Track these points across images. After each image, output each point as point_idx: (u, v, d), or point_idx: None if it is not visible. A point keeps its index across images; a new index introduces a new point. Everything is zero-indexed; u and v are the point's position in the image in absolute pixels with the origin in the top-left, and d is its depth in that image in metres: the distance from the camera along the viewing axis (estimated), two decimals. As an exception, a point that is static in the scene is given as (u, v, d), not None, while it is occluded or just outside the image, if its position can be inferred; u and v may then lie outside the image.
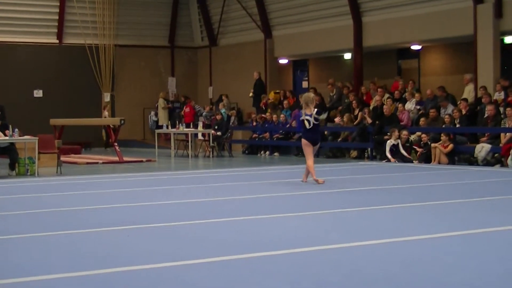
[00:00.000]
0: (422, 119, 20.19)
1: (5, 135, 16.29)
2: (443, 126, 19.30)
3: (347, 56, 27.14)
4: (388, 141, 19.32)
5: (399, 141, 19.15)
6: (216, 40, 31.61)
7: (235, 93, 29.43)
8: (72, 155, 23.53)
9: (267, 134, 25.02)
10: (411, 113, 21.17)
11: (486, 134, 18.58)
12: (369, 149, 21.12)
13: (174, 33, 32.48)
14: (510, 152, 17.02)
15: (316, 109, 13.73)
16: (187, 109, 29.36)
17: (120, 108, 30.75)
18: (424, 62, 25.50)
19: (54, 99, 29.66)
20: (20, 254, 6.72)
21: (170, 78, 32.23)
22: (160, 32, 32.32)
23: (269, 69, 28.79)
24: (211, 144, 23.75)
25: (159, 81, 32.08)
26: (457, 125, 19.15)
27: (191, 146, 23.86)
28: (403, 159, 18.92)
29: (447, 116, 19.35)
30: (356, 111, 22.64)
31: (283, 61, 29.36)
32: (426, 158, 18.75)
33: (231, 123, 26.47)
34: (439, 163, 18.32)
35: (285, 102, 25.94)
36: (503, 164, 17.24)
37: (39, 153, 16.99)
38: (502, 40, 21.43)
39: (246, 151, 25.82)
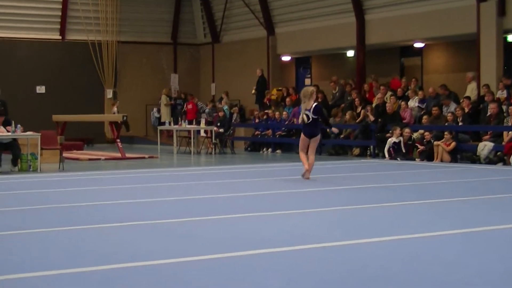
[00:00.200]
0: (424, 117, 20.18)
1: (7, 131, 16.30)
2: (446, 124, 19.28)
3: (350, 53, 27.12)
4: (389, 139, 19.31)
5: (401, 139, 19.14)
6: (218, 37, 31.60)
7: (237, 90, 29.42)
8: (75, 151, 23.54)
9: (269, 131, 25.02)
10: (414, 111, 21.15)
11: (488, 132, 18.56)
12: (371, 146, 21.12)
13: (176, 30, 32.48)
14: (513, 151, 17.01)
15: (315, 104, 13.76)
16: (189, 106, 29.36)
17: (123, 104, 30.71)
18: (427, 60, 25.48)
19: (57, 95, 29.68)
20: (21, 250, 6.72)
21: (173, 75, 32.22)
22: (162, 29, 32.33)
23: (271, 66, 28.77)
24: (213, 141, 23.75)
25: (161, 77, 32.08)
26: (460, 123, 19.13)
27: (194, 143, 23.86)
28: (405, 157, 18.91)
29: (449, 114, 19.33)
30: (359, 109, 22.64)
31: (286, 58, 29.35)
32: (428, 156, 18.73)
33: (233, 120, 26.47)
34: (441, 161, 18.31)
35: (287, 99, 25.93)
36: (506, 163, 17.21)
37: (41, 149, 17.00)
38: (505, 38, 21.41)
39: (249, 148, 25.83)
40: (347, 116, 22.60)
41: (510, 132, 17.73)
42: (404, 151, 19.10)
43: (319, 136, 13.88)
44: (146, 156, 21.63)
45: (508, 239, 7.10)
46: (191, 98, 29.76)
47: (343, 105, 23.91)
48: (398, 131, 19.15)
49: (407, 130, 19.37)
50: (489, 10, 20.76)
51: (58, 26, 30.20)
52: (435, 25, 22.47)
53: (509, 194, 11.03)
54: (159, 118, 30.63)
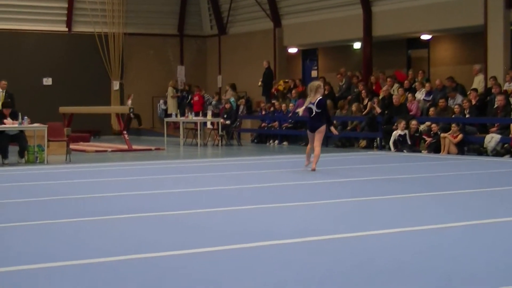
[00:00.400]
0: (431, 109, 20.13)
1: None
2: (453, 116, 19.24)
3: (357, 45, 27.06)
4: (395, 132, 19.29)
5: (406, 131, 19.11)
6: (225, 29, 31.57)
7: (244, 82, 29.39)
8: (81, 143, 23.57)
9: (276, 123, 25.01)
10: (420, 103, 21.10)
11: (495, 125, 18.50)
12: (378, 139, 21.09)
13: (183, 22, 32.45)
14: (520, 143, 16.97)
15: (319, 98, 13.79)
16: (196, 98, 29.36)
17: (129, 96, 30.76)
18: (434, 52, 25.41)
19: (63, 87, 29.71)
20: (27, 241, 6.73)
21: (179, 67, 32.20)
22: (169, 21, 32.30)
23: (278, 58, 28.74)
24: (220, 133, 23.75)
25: (168, 69, 32.06)
26: (467, 116, 19.09)
27: (200, 135, 23.86)
28: (411, 149, 18.88)
29: (456, 106, 19.29)
30: (365, 101, 22.60)
31: (292, 50, 29.30)
32: (435, 148, 18.70)
33: (240, 112, 26.46)
34: (448, 153, 18.28)
35: (294, 91, 25.92)
36: (513, 155, 17.19)
37: (48, 141, 17.02)
38: (513, 30, 21.35)
39: (255, 140, 25.82)
40: (353, 108, 22.57)
41: (517, 124, 17.69)
42: (410, 143, 19.07)
43: (323, 127, 13.86)
44: (153, 148, 21.64)
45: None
46: (198, 90, 29.75)
47: (349, 97, 23.87)
48: (403, 124, 19.13)
49: (414, 122, 19.34)
50: (497, 2, 20.67)
51: (65, 18, 30.20)
52: (442, 17, 22.39)
53: (516, 186, 11.02)
54: (166, 110, 30.64)
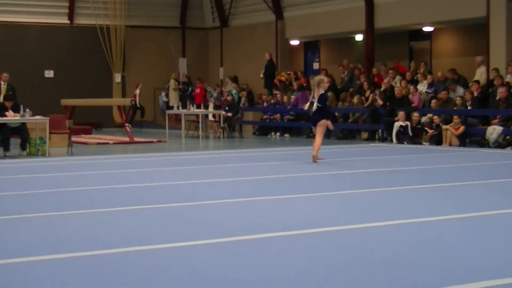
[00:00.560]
0: (433, 101, 20.12)
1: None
2: (455, 108, 19.23)
3: (359, 37, 27.03)
4: (396, 123, 19.28)
5: (408, 123, 19.11)
6: (227, 21, 31.53)
7: (246, 75, 29.39)
8: (83, 135, 23.58)
9: (277, 116, 25.01)
10: (422, 95, 21.09)
11: (497, 117, 18.49)
12: (380, 130, 21.09)
13: (185, 14, 32.42)
14: (522, 135, 16.96)
15: (322, 93, 13.82)
16: (197, 90, 29.35)
17: (131, 89, 30.74)
18: (436, 44, 25.37)
19: (65, 79, 29.73)
20: (28, 233, 6.74)
21: (181, 59, 32.18)
22: (171, 13, 32.27)
23: (280, 51, 28.72)
24: (221, 125, 23.75)
25: (169, 62, 32.05)
26: (469, 107, 19.08)
27: (202, 127, 23.87)
28: (412, 141, 18.88)
29: (458, 98, 19.28)
30: (367, 93, 22.58)
31: (294, 42, 29.27)
32: (437, 140, 18.70)
33: (241, 104, 26.46)
34: (450, 145, 18.27)
35: (295, 83, 25.91)
36: (515, 147, 17.18)
37: (50, 133, 17.03)
38: (515, 22, 21.29)
39: (257, 133, 25.83)
40: (355, 100, 22.56)
41: (519, 116, 17.68)
42: (411, 135, 19.07)
43: (323, 121, 13.89)
44: (155, 140, 21.65)
45: (517, 223, 7.09)
46: (200, 83, 29.73)
47: (351, 89, 23.86)
48: (403, 115, 19.13)
49: (415, 114, 19.33)
50: (499, -7, 20.64)
51: (67, 11, 30.19)
52: (444, 9, 22.35)
53: (518, 178, 11.01)
54: (167, 103, 30.63)
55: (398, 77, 22.35)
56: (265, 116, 25.81)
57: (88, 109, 26.95)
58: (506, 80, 19.52)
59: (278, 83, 26.98)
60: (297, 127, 24.41)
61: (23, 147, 16.57)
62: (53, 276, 5.07)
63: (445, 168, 12.81)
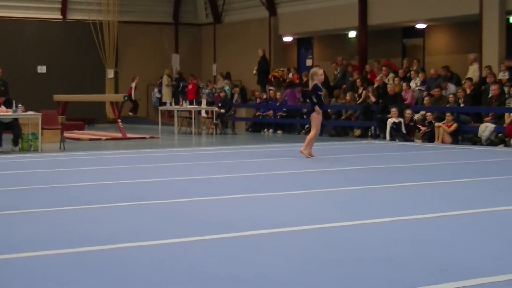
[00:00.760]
0: (426, 98, 20.15)
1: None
2: (447, 105, 19.25)
3: (352, 34, 27.03)
4: (389, 120, 19.30)
5: (401, 120, 19.12)
6: (220, 17, 31.50)
7: (239, 71, 29.37)
8: (76, 131, 23.54)
9: (270, 112, 25.00)
10: (415, 92, 21.11)
11: (490, 114, 18.53)
12: (372, 127, 21.10)
13: (178, 10, 32.37)
14: (514, 132, 16.99)
15: (313, 84, 13.90)
16: (190, 86, 29.32)
17: (124, 84, 30.70)
18: (429, 41, 25.40)
19: (58, 75, 29.65)
20: (19, 229, 6.72)
21: (174, 55, 32.14)
22: (164, 9, 32.22)
23: (273, 47, 28.71)
24: (214, 121, 23.73)
25: (162, 58, 32.00)
26: (461, 105, 19.10)
27: (195, 123, 23.85)
28: (404, 138, 18.89)
29: (451, 96, 19.30)
30: (360, 90, 22.59)
31: (288, 38, 29.26)
32: (430, 137, 18.72)
33: (234, 101, 26.44)
34: (442, 142, 18.29)
35: (286, 80, 25.94)
36: (507, 144, 17.20)
37: (42, 129, 16.99)
38: (508, 19, 21.32)
39: (250, 129, 25.82)
40: (348, 97, 22.57)
41: (511, 114, 17.70)
42: (404, 132, 19.08)
43: (314, 113, 13.94)
44: (147, 136, 21.63)
45: (509, 221, 7.09)
46: (193, 79, 29.71)
47: (344, 86, 23.86)
48: (395, 111, 19.14)
49: (408, 111, 19.34)
50: (492, -9, 20.67)
51: (59, 6, 30.11)
52: (438, 6, 22.37)
53: (510, 176, 11.02)
54: (160, 99, 30.60)
55: (391, 75, 22.36)
56: (258, 113, 25.80)
57: (81, 104, 26.89)
58: (499, 77, 19.56)
59: (272, 78, 26.98)
60: (289, 124, 24.42)
61: (15, 142, 16.53)
62: (46, 272, 5.06)
63: (438, 166, 12.82)
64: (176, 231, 6.58)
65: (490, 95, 18.77)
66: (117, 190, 9.53)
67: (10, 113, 16.23)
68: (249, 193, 9.09)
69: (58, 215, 7.52)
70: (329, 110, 22.49)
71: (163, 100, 29.66)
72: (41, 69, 29.90)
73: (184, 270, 5.12)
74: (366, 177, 10.90)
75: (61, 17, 30.16)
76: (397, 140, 18.85)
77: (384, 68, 22.68)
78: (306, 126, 22.92)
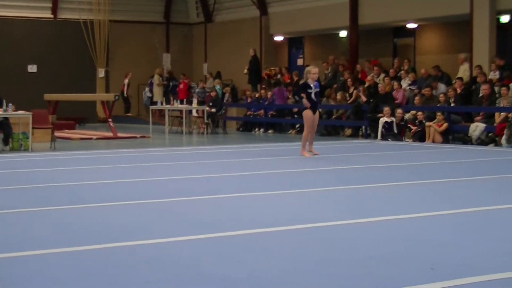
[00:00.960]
0: (416, 97, 20.19)
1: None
2: (438, 105, 19.29)
3: (343, 34, 27.06)
4: (381, 119, 19.33)
5: (393, 119, 19.14)
6: (211, 16, 31.48)
7: (230, 70, 29.37)
8: (66, 130, 23.49)
9: (261, 112, 25.01)
10: (406, 92, 21.15)
11: (480, 114, 18.58)
12: (363, 127, 21.12)
13: (169, 9, 32.35)
14: (504, 132, 17.03)
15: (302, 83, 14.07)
16: (181, 86, 29.30)
17: (115, 84, 30.65)
18: (420, 40, 25.46)
19: (48, 74, 29.58)
20: (10, 229, 6.70)
21: (165, 55, 32.12)
22: (155, 8, 32.19)
23: (264, 46, 28.72)
24: (205, 120, 23.72)
25: (153, 57, 31.96)
26: (452, 104, 19.14)
27: (186, 122, 23.82)
28: (396, 138, 18.92)
29: (441, 95, 19.34)
30: (351, 89, 22.62)
31: (279, 38, 29.27)
32: (420, 136, 18.75)
33: (225, 100, 26.44)
34: (433, 142, 18.33)
35: (275, 79, 26.00)
36: (497, 144, 17.25)
37: (33, 128, 16.95)
38: (498, 19, 21.38)
39: (241, 128, 25.82)
40: (338, 96, 22.59)
41: (502, 113, 17.76)
42: (396, 131, 19.10)
43: (304, 112, 14.13)
44: (138, 135, 21.60)
45: (502, 220, 7.11)
46: (184, 78, 29.69)
47: (335, 85, 23.89)
48: (388, 110, 19.17)
49: (399, 110, 19.37)
50: (483, -10, 20.72)
51: (50, 5, 30.05)
52: (428, 6, 22.42)
53: (501, 175, 11.05)
54: (151, 98, 30.56)
55: (382, 75, 22.40)
56: (249, 112, 25.80)
57: (72, 104, 26.83)
58: (489, 77, 19.61)
59: (266, 77, 27.01)
60: (280, 123, 24.44)
61: (5, 142, 16.49)
62: (40, 272, 5.04)
63: (430, 165, 12.84)
64: (169, 230, 6.57)
65: (480, 94, 18.81)
66: (108, 190, 9.51)
67: (0, 113, 16.18)
68: (242, 193, 9.08)
69: (49, 215, 7.49)
70: (319, 110, 22.47)
71: (154, 99, 29.64)
72: (32, 68, 29.82)
73: (178, 269, 5.11)
74: (359, 176, 10.91)
75: (52, 16, 30.10)
76: (389, 139, 18.87)
77: (376, 68, 22.71)
78: (297, 125, 22.97)
